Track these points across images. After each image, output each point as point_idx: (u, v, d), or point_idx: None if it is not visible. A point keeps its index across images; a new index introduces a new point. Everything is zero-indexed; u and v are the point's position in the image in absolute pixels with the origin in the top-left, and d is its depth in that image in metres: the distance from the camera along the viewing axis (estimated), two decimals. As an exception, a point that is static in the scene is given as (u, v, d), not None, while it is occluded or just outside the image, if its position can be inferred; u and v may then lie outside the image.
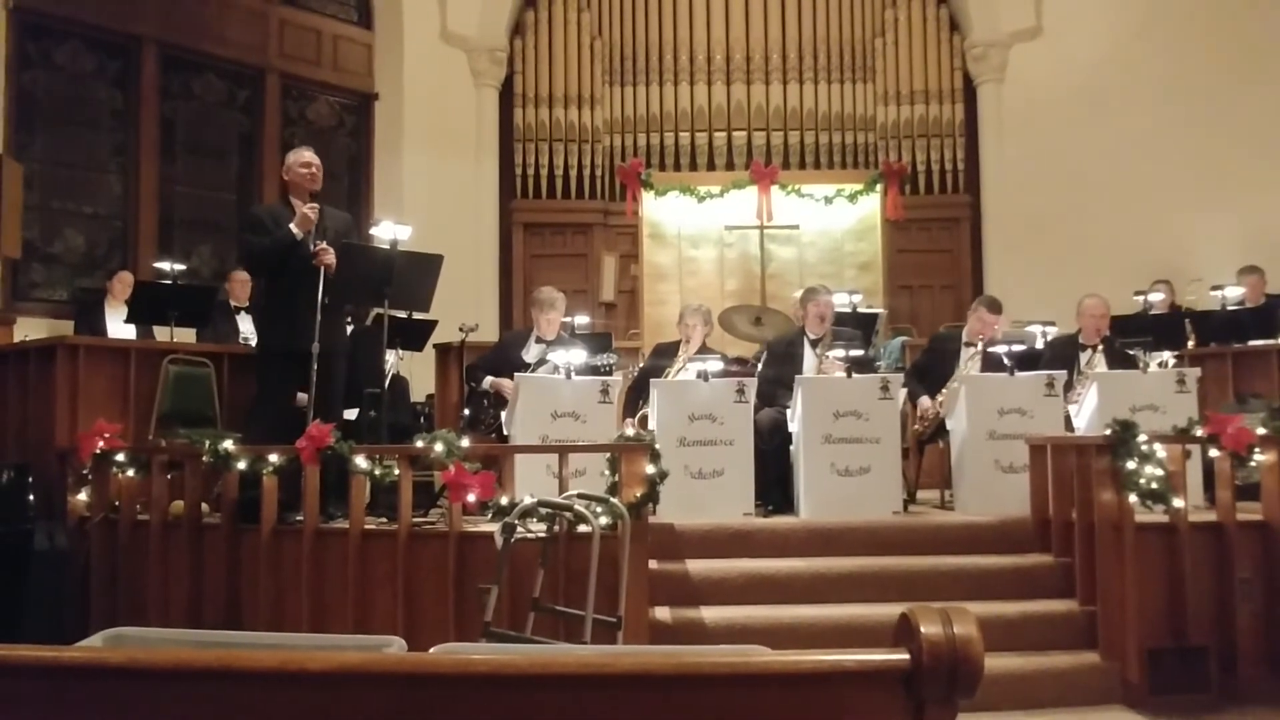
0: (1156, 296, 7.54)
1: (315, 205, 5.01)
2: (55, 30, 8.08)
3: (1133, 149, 9.86)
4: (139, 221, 8.51)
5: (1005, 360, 5.54)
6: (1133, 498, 4.32)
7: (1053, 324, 6.71)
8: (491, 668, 1.32)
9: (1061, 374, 5.61)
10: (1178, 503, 4.37)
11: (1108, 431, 4.43)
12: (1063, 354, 6.11)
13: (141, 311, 6.34)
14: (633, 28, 11.00)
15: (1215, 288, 7.30)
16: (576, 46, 10.88)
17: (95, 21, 8.24)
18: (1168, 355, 5.75)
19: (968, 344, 6.09)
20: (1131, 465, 4.32)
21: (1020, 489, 5.16)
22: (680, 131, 10.81)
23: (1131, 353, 5.70)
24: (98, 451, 5.07)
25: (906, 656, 1.26)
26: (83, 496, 5.22)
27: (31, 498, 5.21)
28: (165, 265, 6.82)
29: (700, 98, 10.85)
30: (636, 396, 6.00)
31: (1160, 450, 4.38)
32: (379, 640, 1.79)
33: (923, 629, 1.24)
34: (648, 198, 10.59)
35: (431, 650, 1.60)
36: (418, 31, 10.17)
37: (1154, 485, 4.30)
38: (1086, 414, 5.58)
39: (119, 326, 6.63)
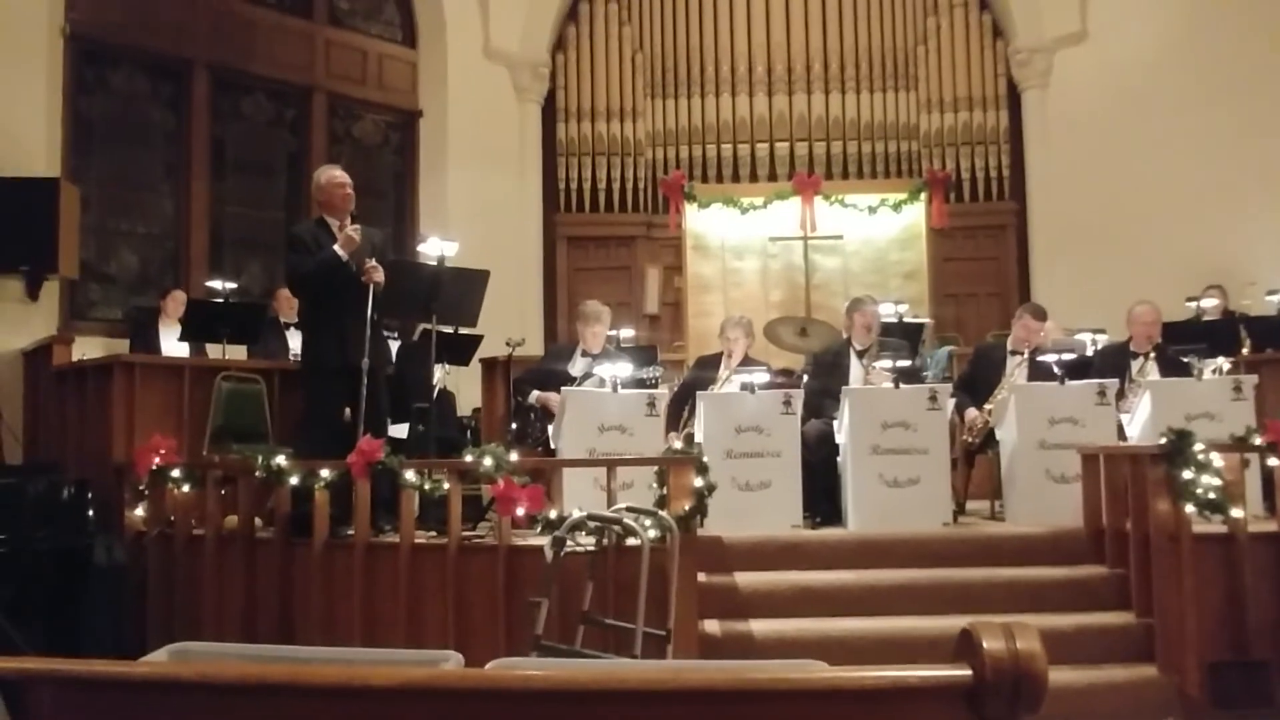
0: (1210, 302, 7.41)
1: (357, 226, 5.05)
2: (110, 56, 8.27)
3: (1182, 152, 9.68)
4: (190, 240, 8.67)
5: (1055, 369, 5.46)
6: (1189, 508, 4.25)
7: (1103, 331, 6.62)
8: (552, 684, 1.33)
9: (1113, 382, 5.53)
10: (1236, 513, 4.29)
11: (1162, 440, 4.36)
12: (1114, 362, 6.02)
13: (194, 329, 6.45)
14: (674, 40, 11.02)
15: (1271, 292, 7.16)
16: (618, 60, 10.92)
17: (149, 46, 8.42)
18: (1223, 362, 5.65)
19: (1014, 352, 6.03)
20: (1188, 475, 4.25)
21: (1072, 499, 5.09)
22: (722, 143, 10.80)
23: (1185, 360, 5.61)
24: (154, 467, 5.18)
25: (969, 672, 1.26)
26: (139, 511, 5.33)
27: (91, 513, 5.33)
28: (216, 284, 6.94)
29: (742, 109, 10.84)
30: (679, 409, 5.98)
31: (1217, 459, 4.30)
32: (437, 655, 1.81)
33: (985, 644, 1.23)
34: (690, 210, 10.59)
35: (488, 665, 1.61)
36: (461, 49, 10.27)
37: (1211, 495, 4.23)
38: (1139, 423, 5.50)
39: (173, 344, 6.75)
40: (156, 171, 8.64)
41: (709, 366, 6.22)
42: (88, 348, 7.00)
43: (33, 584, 4.97)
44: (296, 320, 7.36)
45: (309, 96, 9.54)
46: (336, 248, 4.97)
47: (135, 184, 8.49)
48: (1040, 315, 6.10)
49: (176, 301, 7.06)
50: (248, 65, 9.07)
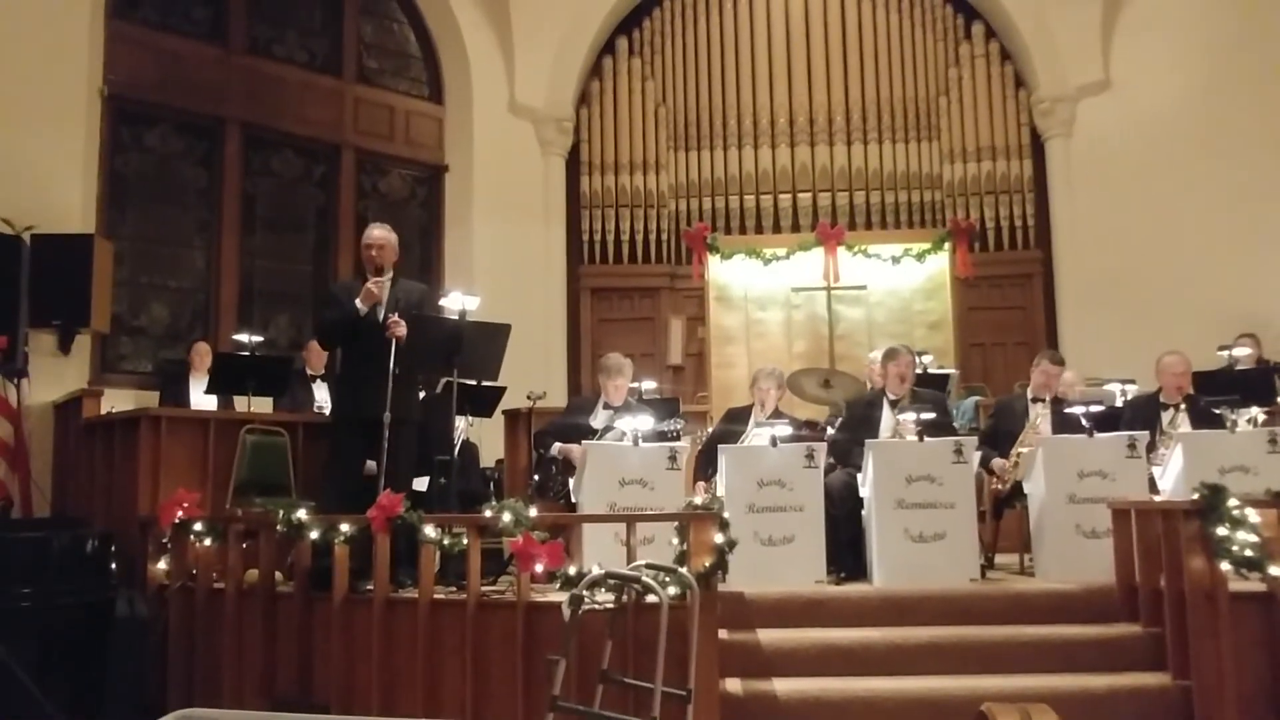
0: (1242, 351, 7.29)
1: (380, 280, 5.20)
2: (146, 115, 8.46)
3: (1209, 199, 9.61)
4: (220, 294, 8.79)
5: (1083, 421, 5.38)
6: (1225, 565, 4.14)
7: (1132, 382, 6.52)
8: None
9: (1143, 435, 5.43)
10: (1275, 570, 4.17)
11: (1195, 495, 4.26)
12: (1143, 413, 5.93)
13: (220, 382, 6.51)
14: (696, 94, 11.13)
15: (1305, 341, 7.04)
16: (641, 114, 11.03)
17: (183, 105, 8.62)
18: (1257, 413, 5.53)
19: (1035, 399, 5.96)
20: (1223, 531, 4.14)
21: (1104, 554, 4.97)
22: (745, 194, 10.84)
23: (1218, 411, 5.50)
24: (177, 520, 5.20)
25: (982, 751, 1.21)
26: (162, 565, 5.34)
27: (114, 566, 5.35)
28: (244, 337, 7.01)
29: (765, 160, 10.89)
30: (708, 461, 5.94)
31: (1253, 515, 4.19)
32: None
33: (999, 723, 1.19)
34: (714, 261, 10.63)
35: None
36: (487, 104, 10.43)
37: (1248, 552, 4.11)
38: (1172, 476, 5.39)
39: (201, 397, 6.82)
40: (188, 227, 8.80)
41: (740, 419, 6.18)
42: (118, 400, 7.07)
43: (56, 639, 4.98)
44: (323, 373, 7.45)
45: (338, 153, 9.71)
46: (357, 301, 5.16)
47: (167, 239, 8.65)
48: (1058, 361, 6.08)
49: (201, 354, 7.14)
50: (278, 123, 9.26)
